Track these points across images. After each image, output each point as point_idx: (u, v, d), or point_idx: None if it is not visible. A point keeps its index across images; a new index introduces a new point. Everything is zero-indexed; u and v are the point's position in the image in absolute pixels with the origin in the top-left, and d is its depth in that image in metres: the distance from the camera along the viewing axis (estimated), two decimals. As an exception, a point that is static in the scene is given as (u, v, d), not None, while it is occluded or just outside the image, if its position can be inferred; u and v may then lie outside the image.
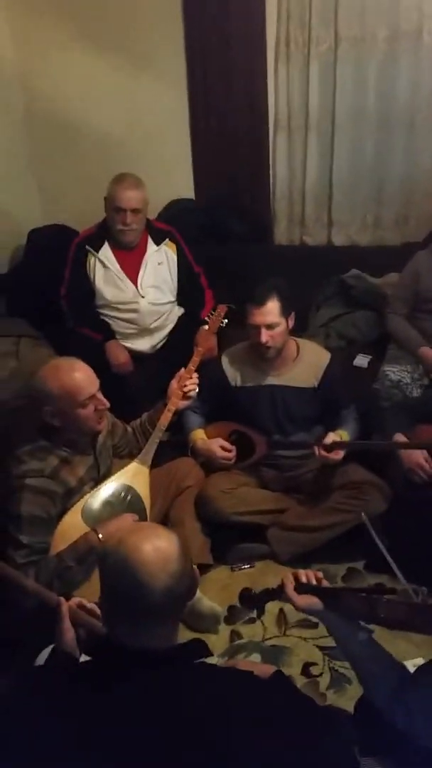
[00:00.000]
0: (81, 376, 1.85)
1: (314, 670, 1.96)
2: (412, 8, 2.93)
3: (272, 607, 2.15)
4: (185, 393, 2.20)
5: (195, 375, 2.24)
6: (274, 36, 3.15)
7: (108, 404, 1.91)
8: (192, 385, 2.21)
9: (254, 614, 2.14)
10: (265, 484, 2.42)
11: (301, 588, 1.44)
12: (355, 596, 1.39)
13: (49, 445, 1.87)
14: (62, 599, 1.49)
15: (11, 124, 3.49)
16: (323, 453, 2.16)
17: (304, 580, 1.45)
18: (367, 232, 3.41)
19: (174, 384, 2.21)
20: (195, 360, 2.28)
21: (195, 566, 1.22)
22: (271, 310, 2.17)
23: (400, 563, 1.79)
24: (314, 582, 1.45)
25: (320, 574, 1.46)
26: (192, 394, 2.22)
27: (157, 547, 1.12)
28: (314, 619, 2.04)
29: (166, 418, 2.17)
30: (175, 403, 2.18)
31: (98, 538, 1.82)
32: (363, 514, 1.46)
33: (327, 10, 3.02)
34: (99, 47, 3.31)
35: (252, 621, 2.12)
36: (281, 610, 2.14)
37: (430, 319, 2.65)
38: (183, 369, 2.25)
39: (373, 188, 3.32)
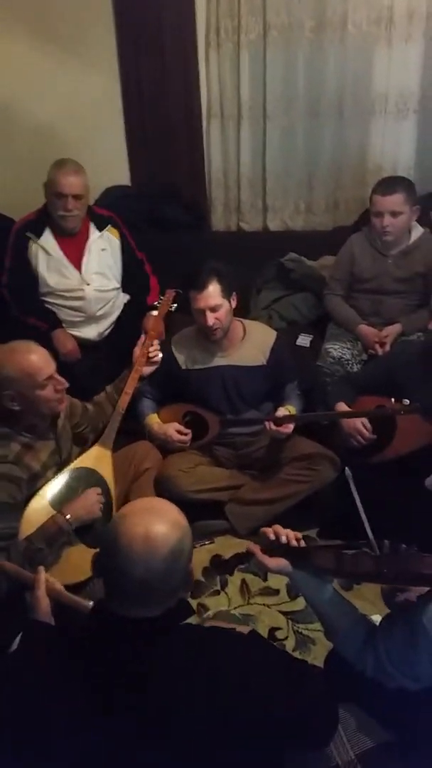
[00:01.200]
0: (37, 357, 1.86)
1: (279, 635, 2.06)
2: (337, -1, 3.04)
3: (235, 578, 2.24)
4: (150, 358, 2.25)
5: (156, 342, 2.28)
6: (204, 24, 3.19)
7: (66, 384, 1.92)
8: (155, 350, 2.26)
9: (218, 586, 2.22)
10: (220, 462, 2.50)
11: (270, 549, 1.51)
12: (322, 553, 1.46)
13: (10, 432, 1.87)
14: (41, 567, 1.53)
15: None
16: (273, 427, 2.26)
17: (272, 537, 1.51)
18: (300, 217, 3.53)
19: (137, 351, 2.26)
20: (152, 335, 2.33)
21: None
22: (213, 293, 2.24)
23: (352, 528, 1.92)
24: (283, 537, 1.51)
25: (292, 534, 1.52)
26: (156, 359, 2.27)
27: (148, 535, 1.12)
28: (275, 587, 2.19)
29: (124, 400, 2.21)
30: (139, 370, 2.23)
31: (66, 518, 1.85)
32: (346, 469, 1.54)
33: (255, -1, 3.08)
34: (29, 34, 3.26)
35: (216, 593, 2.20)
36: (243, 581, 2.23)
37: (365, 298, 2.79)
38: (144, 336, 2.30)
39: (305, 174, 3.43)
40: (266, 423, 2.28)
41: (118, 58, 3.29)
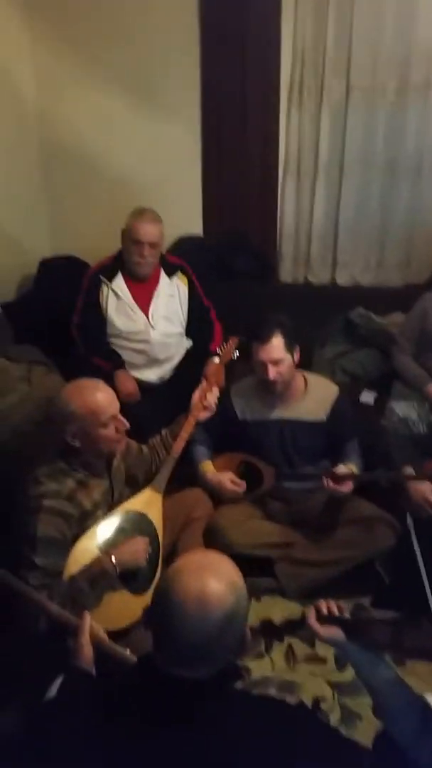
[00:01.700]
0: (103, 396, 1.88)
1: (324, 706, 1.93)
2: (422, 62, 3.09)
3: (281, 642, 2.13)
4: (206, 406, 2.24)
5: (215, 389, 2.28)
6: (287, 82, 3.28)
7: (128, 425, 1.93)
8: (213, 398, 2.25)
9: (262, 648, 2.12)
10: (271, 516, 2.43)
11: (323, 619, 1.44)
12: (378, 626, 1.39)
13: (67, 468, 1.87)
14: (86, 612, 1.49)
15: (27, 158, 3.58)
16: (332, 485, 2.18)
17: (325, 611, 1.45)
18: (370, 273, 3.51)
19: (195, 396, 2.25)
20: (210, 380, 2.32)
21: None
22: (276, 345, 2.21)
23: (410, 598, 1.80)
24: (336, 613, 1.45)
25: (343, 605, 1.46)
26: (213, 406, 2.25)
27: (203, 596, 1.06)
28: (322, 655, 2.08)
29: (179, 446, 2.20)
30: (196, 415, 2.22)
31: (111, 562, 1.82)
32: (408, 516, 1.46)
33: (340, 60, 3.16)
34: (117, 86, 3.42)
35: (261, 656, 2.10)
36: (290, 645, 2.12)
37: (436, 358, 2.71)
38: (203, 382, 2.30)
39: (378, 231, 3.43)
40: (324, 479, 2.20)
41: (200, 110, 3.40)
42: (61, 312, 2.98)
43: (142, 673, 1.17)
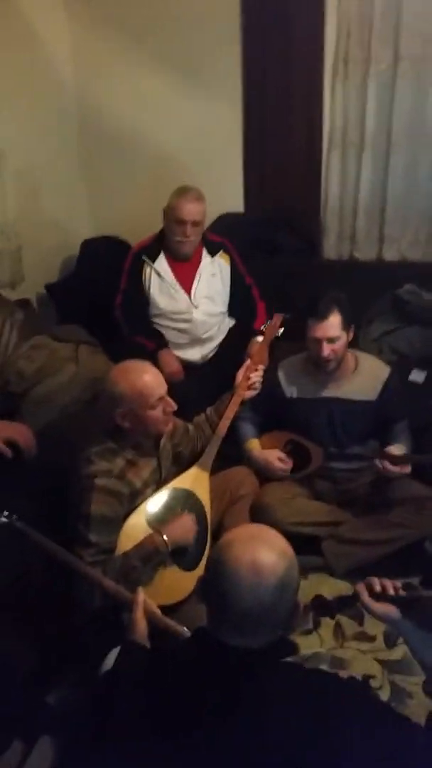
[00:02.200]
0: (151, 378, 1.89)
1: (374, 683, 1.93)
2: None
3: (328, 619, 2.12)
4: (251, 384, 2.22)
5: (260, 368, 2.26)
6: (332, 54, 3.17)
7: (175, 406, 1.93)
8: (257, 376, 2.23)
9: (311, 626, 2.12)
10: (318, 496, 2.41)
11: (377, 597, 1.43)
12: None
13: (116, 447, 1.90)
14: (140, 588, 1.52)
15: (67, 138, 3.59)
16: (390, 467, 2.14)
17: (378, 589, 1.44)
18: (419, 248, 3.40)
19: (239, 375, 2.24)
20: (255, 360, 2.30)
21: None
22: (333, 323, 2.18)
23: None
24: (391, 591, 1.43)
25: (398, 584, 1.44)
26: (257, 385, 2.24)
27: (256, 564, 1.09)
28: (371, 633, 2.07)
29: (224, 425, 2.20)
30: (241, 394, 2.21)
31: (163, 539, 1.84)
32: None
33: (387, 29, 3.04)
34: (156, 64, 3.38)
35: (309, 632, 2.10)
36: (338, 623, 2.12)
37: None
38: (247, 361, 2.28)
39: (427, 205, 3.31)
40: (378, 461, 2.17)
41: (242, 84, 3.33)
42: (103, 292, 3.00)
43: (196, 645, 1.20)
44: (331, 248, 3.51)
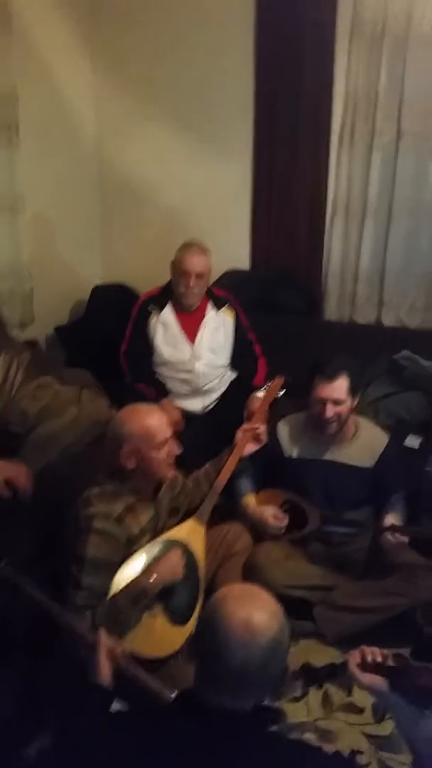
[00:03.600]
0: (157, 419, 1.93)
1: (361, 760, 1.87)
2: None
3: (316, 688, 2.08)
4: (257, 435, 2.24)
5: (263, 425, 2.28)
6: (339, 124, 3.32)
7: (180, 450, 1.95)
8: (262, 431, 2.25)
9: (298, 693, 2.07)
10: (312, 558, 2.39)
11: (366, 666, 1.41)
12: (423, 673, 1.35)
13: (117, 491, 1.90)
14: (101, 629, 1.48)
15: (85, 189, 3.70)
16: (399, 537, 2.15)
17: (369, 658, 1.42)
18: (417, 315, 3.48)
19: (240, 433, 2.27)
20: (256, 418, 2.32)
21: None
22: (341, 386, 2.21)
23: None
24: (379, 660, 1.41)
25: (387, 653, 1.43)
26: (263, 437, 2.25)
27: (249, 623, 1.10)
28: (360, 704, 2.02)
29: (223, 478, 2.20)
30: (241, 450, 2.24)
31: (149, 580, 1.82)
32: None
33: (392, 105, 3.19)
34: (174, 124, 3.52)
35: (296, 700, 2.04)
36: (326, 692, 2.06)
37: None
38: (248, 419, 2.32)
39: (425, 274, 3.41)
40: (387, 533, 2.18)
41: (253, 149, 3.46)
42: (110, 338, 3.04)
43: (182, 707, 1.18)
44: (332, 310, 3.59)
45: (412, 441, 2.77)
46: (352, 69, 3.22)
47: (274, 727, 1.21)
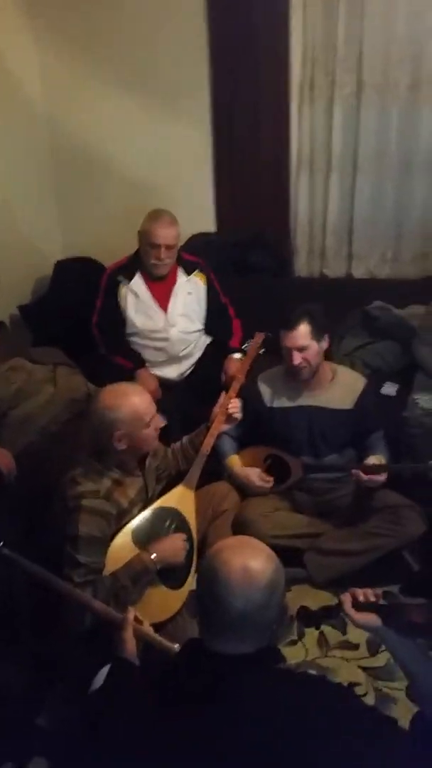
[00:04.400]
0: (144, 398, 1.94)
1: (358, 690, 1.97)
2: (433, 59, 3.08)
3: (312, 629, 2.17)
4: (230, 415, 2.25)
5: (236, 399, 2.29)
6: (298, 78, 3.28)
7: (164, 422, 1.99)
8: (234, 408, 2.26)
9: (295, 636, 2.16)
10: (299, 508, 2.46)
11: (359, 606, 1.48)
12: (414, 609, 1.42)
13: (102, 468, 1.91)
14: (130, 608, 1.55)
15: (37, 160, 3.59)
16: (364, 476, 2.21)
17: (361, 598, 1.48)
18: (386, 266, 3.52)
19: (216, 409, 2.26)
20: (235, 386, 2.33)
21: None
22: (302, 333, 2.26)
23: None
24: (372, 599, 1.48)
25: (379, 592, 1.49)
26: (236, 417, 2.27)
27: (246, 567, 1.16)
28: (354, 641, 2.12)
29: (208, 443, 2.22)
30: (218, 427, 2.24)
31: (152, 558, 1.86)
32: None
33: (351, 57, 3.16)
34: (125, 88, 3.42)
35: (293, 643, 2.14)
36: (321, 632, 2.17)
37: (458, 349, 2.73)
38: (224, 394, 2.30)
39: (393, 225, 3.44)
40: (355, 472, 2.24)
41: (211, 110, 3.40)
42: (78, 313, 3.03)
43: (187, 656, 1.23)
44: (302, 266, 3.61)
45: (389, 389, 2.84)
46: (309, 22, 3.16)
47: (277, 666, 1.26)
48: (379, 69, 3.16)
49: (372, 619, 1.44)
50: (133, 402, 1.89)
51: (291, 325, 2.26)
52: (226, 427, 2.28)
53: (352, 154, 3.33)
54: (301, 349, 2.27)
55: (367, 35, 3.11)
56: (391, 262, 3.51)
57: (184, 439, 2.30)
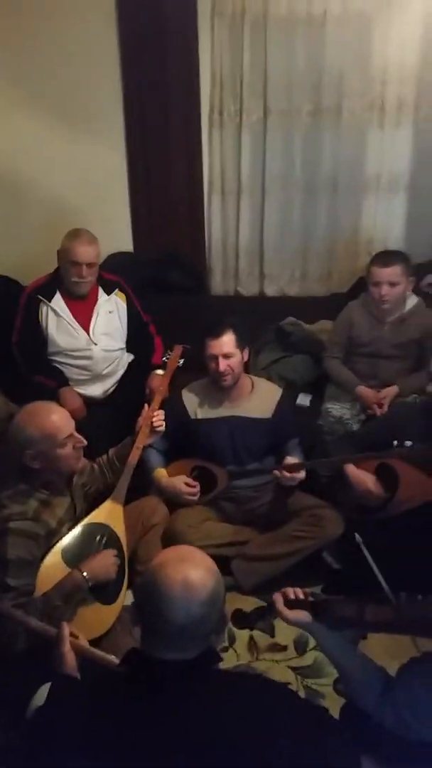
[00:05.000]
0: (58, 417, 1.92)
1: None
2: (332, 87, 3.33)
3: (242, 635, 2.25)
4: (154, 428, 2.30)
5: (159, 412, 2.35)
6: (208, 104, 3.42)
7: (85, 442, 1.98)
8: (158, 420, 2.31)
9: (226, 642, 2.23)
10: (225, 517, 2.55)
11: (290, 604, 1.57)
12: (342, 603, 1.52)
13: (28, 489, 1.90)
14: (64, 623, 1.56)
15: None
16: (287, 474, 2.34)
17: (292, 596, 1.58)
18: (295, 284, 3.72)
19: (140, 422, 2.30)
20: (157, 399, 2.38)
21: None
22: (227, 341, 2.38)
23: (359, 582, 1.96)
24: (302, 597, 1.58)
25: (308, 591, 1.59)
26: (159, 429, 2.31)
27: (186, 581, 1.18)
28: (283, 643, 2.21)
29: (134, 456, 2.25)
30: (143, 439, 2.28)
31: (83, 576, 1.87)
32: (356, 536, 1.61)
33: (256, 83, 3.35)
34: (42, 109, 3.44)
35: (225, 649, 2.21)
36: (251, 637, 2.25)
37: (363, 361, 2.93)
38: (147, 407, 2.34)
39: (300, 246, 3.65)
40: (277, 471, 2.37)
41: (125, 134, 3.49)
42: (-4, 332, 2.98)
43: (130, 665, 1.25)
44: (218, 285, 3.75)
45: (304, 399, 3.00)
46: (216, 50, 3.33)
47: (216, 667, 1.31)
48: (283, 95, 3.36)
49: (303, 615, 1.53)
50: (45, 421, 1.88)
51: (216, 333, 2.37)
52: (151, 439, 2.32)
53: (261, 179, 3.51)
54: (227, 356, 2.37)
55: (270, 64, 3.30)
56: (300, 281, 3.71)
57: (110, 452, 2.32)
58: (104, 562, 1.95)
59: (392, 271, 2.71)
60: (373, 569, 1.58)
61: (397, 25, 3.23)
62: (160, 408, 2.36)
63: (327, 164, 3.46)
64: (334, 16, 3.22)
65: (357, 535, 1.62)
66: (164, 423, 2.32)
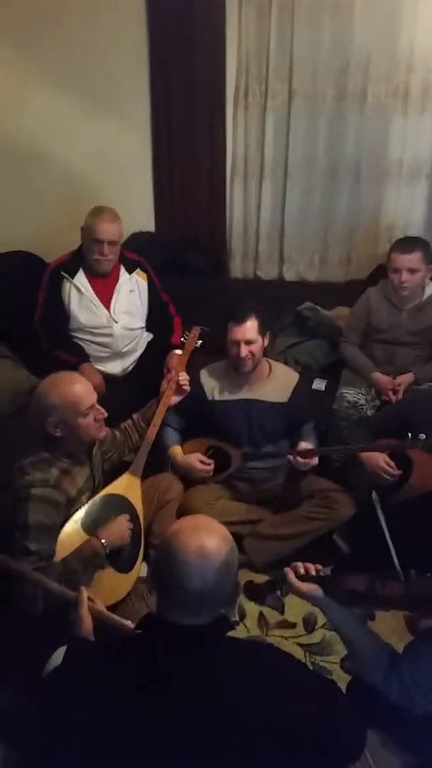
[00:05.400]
0: (81, 387, 1.97)
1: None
2: (358, 72, 3.31)
3: (252, 610, 2.30)
4: (180, 386, 2.35)
5: (184, 373, 2.41)
6: (233, 86, 3.42)
7: (106, 414, 2.03)
8: (184, 379, 2.37)
9: (236, 617, 2.28)
10: (240, 496, 2.60)
11: (302, 578, 1.61)
12: (353, 579, 1.56)
13: (50, 457, 1.95)
14: (82, 587, 1.61)
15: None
16: (301, 459, 2.37)
17: (302, 571, 1.62)
18: (314, 270, 3.73)
19: (164, 384, 2.37)
20: (177, 370, 2.44)
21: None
22: (250, 327, 2.39)
23: (369, 565, 2.00)
24: (313, 572, 1.62)
25: (319, 566, 1.63)
26: (186, 387, 2.37)
27: (201, 548, 1.21)
28: (292, 620, 2.26)
29: (152, 432, 2.32)
30: (169, 397, 2.35)
31: (101, 542, 1.93)
32: (373, 493, 1.63)
33: (282, 67, 3.34)
34: (66, 87, 3.46)
35: (236, 624, 2.26)
36: (261, 613, 2.30)
37: (380, 347, 2.95)
38: (170, 372, 2.42)
39: (321, 230, 3.65)
40: (290, 457, 2.40)
41: (150, 112, 3.50)
42: (19, 307, 3.02)
43: (145, 629, 1.29)
44: (237, 268, 3.76)
45: (319, 384, 3.03)
46: (243, 33, 3.32)
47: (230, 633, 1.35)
48: (308, 78, 3.34)
49: (313, 589, 1.56)
50: (68, 390, 1.93)
51: (240, 318, 2.38)
52: (176, 399, 2.38)
53: (283, 162, 3.51)
54: (249, 342, 2.39)
55: (296, 47, 3.29)
56: (319, 266, 3.72)
57: (135, 415, 2.38)
58: (119, 528, 2.01)
59: (412, 258, 2.72)
60: (384, 533, 1.60)
61: (425, 12, 3.20)
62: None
63: (350, 149, 3.46)
64: (362, 1, 3.20)
65: (374, 493, 1.64)
66: (188, 387, 2.38)
